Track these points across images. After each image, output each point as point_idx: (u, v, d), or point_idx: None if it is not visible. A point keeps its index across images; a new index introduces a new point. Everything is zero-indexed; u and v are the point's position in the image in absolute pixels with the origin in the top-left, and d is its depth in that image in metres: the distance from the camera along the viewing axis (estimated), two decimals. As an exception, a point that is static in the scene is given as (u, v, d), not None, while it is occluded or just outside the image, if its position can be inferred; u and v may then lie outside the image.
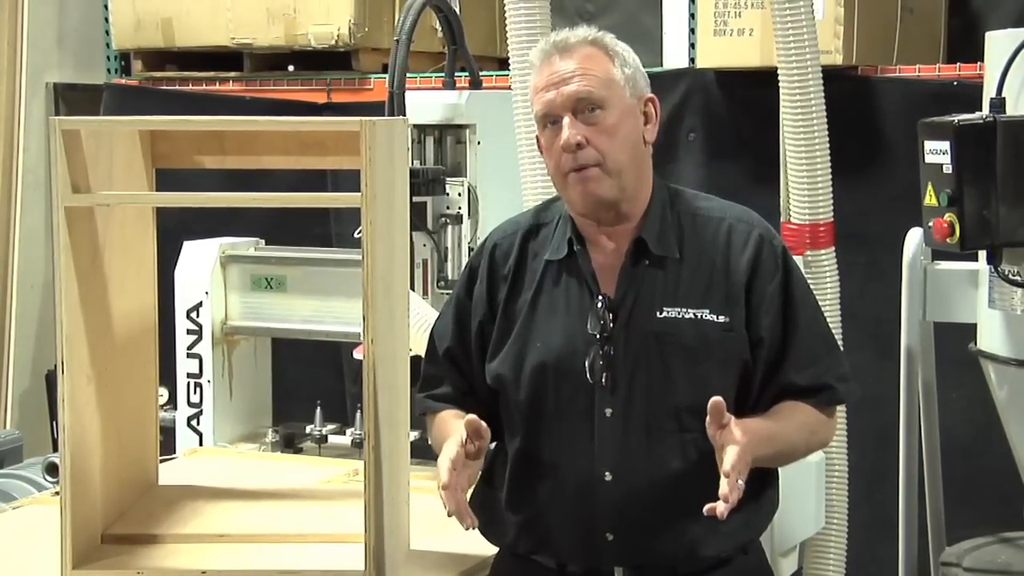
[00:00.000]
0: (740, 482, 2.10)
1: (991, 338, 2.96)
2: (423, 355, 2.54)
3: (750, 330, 2.31)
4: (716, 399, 2.14)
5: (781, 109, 3.81)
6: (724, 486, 2.08)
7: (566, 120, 2.27)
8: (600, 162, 2.27)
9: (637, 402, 2.28)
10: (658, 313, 2.29)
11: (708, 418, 2.14)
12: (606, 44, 2.33)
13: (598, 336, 2.28)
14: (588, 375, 2.27)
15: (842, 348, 3.82)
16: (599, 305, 2.29)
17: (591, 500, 2.30)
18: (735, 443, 2.12)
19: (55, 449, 4.37)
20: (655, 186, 2.38)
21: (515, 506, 2.38)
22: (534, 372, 2.31)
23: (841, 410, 3.89)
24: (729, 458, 2.11)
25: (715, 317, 2.29)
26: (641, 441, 2.27)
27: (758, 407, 2.35)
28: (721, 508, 2.08)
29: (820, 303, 3.78)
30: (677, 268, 2.32)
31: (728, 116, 4.50)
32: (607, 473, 2.29)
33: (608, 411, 2.28)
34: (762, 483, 2.39)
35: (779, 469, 2.45)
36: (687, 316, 2.29)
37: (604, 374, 2.27)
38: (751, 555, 2.40)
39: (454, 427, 2.30)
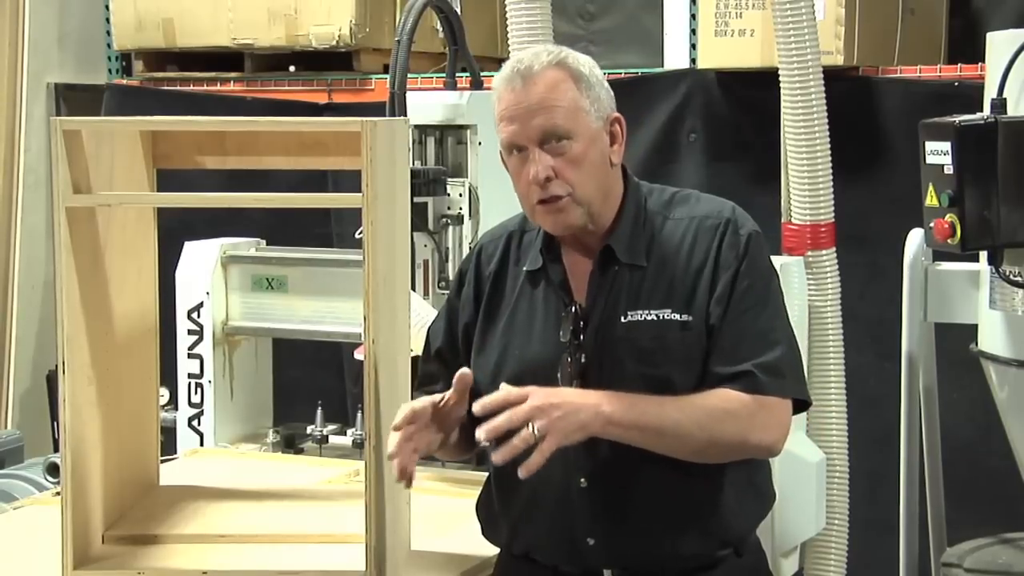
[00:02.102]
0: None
1: (992, 339, 2.95)
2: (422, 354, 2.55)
3: (706, 321, 2.28)
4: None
5: (782, 110, 3.81)
6: None
7: (534, 154, 2.25)
8: (569, 192, 2.26)
9: None
10: (622, 318, 2.29)
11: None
12: (569, 66, 2.28)
13: (569, 343, 2.29)
14: (560, 382, 2.26)
15: (843, 353, 3.87)
16: (571, 313, 2.30)
17: (569, 506, 2.30)
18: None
19: (56, 449, 4.37)
20: (628, 192, 2.36)
21: (504, 509, 2.40)
22: (511, 379, 2.29)
23: (842, 410, 3.90)
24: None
25: (676, 316, 2.27)
26: (611, 446, 2.25)
27: None
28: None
29: (821, 304, 3.85)
30: (644, 272, 2.31)
31: (729, 117, 4.50)
32: (582, 479, 2.29)
33: None
34: (751, 484, 2.38)
35: (774, 468, 2.43)
36: (649, 318, 2.28)
37: (575, 381, 2.26)
38: (745, 556, 2.38)
39: None
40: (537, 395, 2.13)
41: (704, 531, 2.31)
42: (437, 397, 2.25)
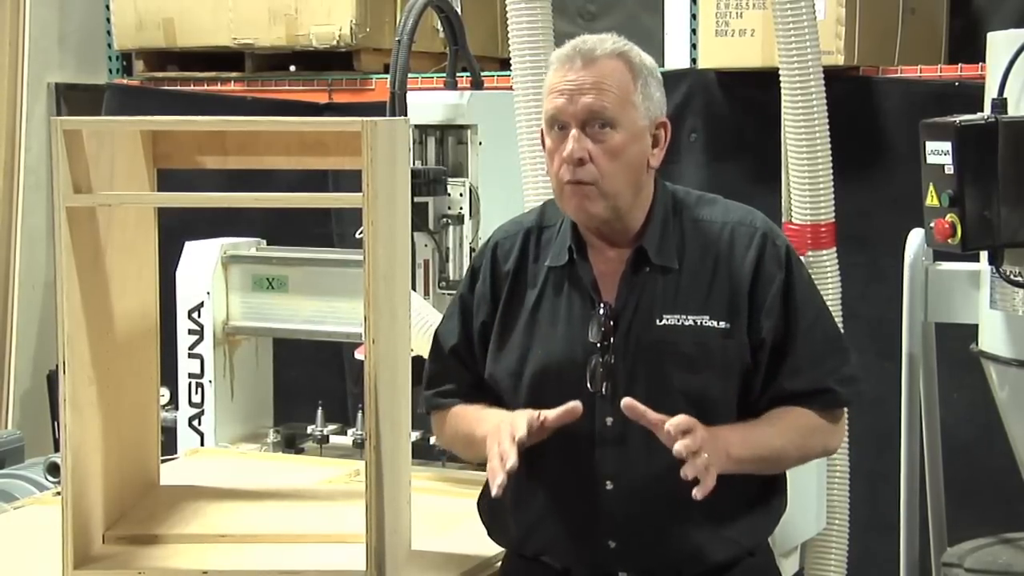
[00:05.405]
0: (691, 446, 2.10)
1: (992, 339, 2.96)
2: (426, 355, 2.53)
3: (752, 334, 2.29)
4: (626, 400, 2.15)
5: (783, 110, 3.80)
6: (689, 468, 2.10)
7: (573, 132, 2.24)
8: (596, 181, 2.24)
9: None
10: (658, 321, 2.28)
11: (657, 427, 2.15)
12: (631, 59, 2.27)
13: (599, 344, 2.27)
14: (588, 383, 2.26)
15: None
16: (600, 313, 2.29)
17: (592, 508, 2.29)
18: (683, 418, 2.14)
19: (56, 449, 4.36)
20: (658, 193, 2.36)
21: (519, 510, 2.38)
22: (534, 378, 2.30)
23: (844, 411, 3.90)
24: (675, 421, 2.12)
25: (715, 323, 2.27)
26: (641, 450, 2.25)
27: (758, 413, 2.33)
28: (697, 494, 2.10)
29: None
30: (678, 275, 2.30)
31: (729, 117, 4.50)
32: (608, 482, 2.28)
33: (608, 420, 2.27)
34: (769, 489, 2.38)
35: (785, 473, 2.44)
36: (687, 323, 2.28)
37: (604, 383, 2.26)
38: (758, 557, 2.39)
39: (488, 415, 2.32)
40: (700, 429, 2.15)
41: (726, 536, 2.31)
42: (535, 415, 2.21)
